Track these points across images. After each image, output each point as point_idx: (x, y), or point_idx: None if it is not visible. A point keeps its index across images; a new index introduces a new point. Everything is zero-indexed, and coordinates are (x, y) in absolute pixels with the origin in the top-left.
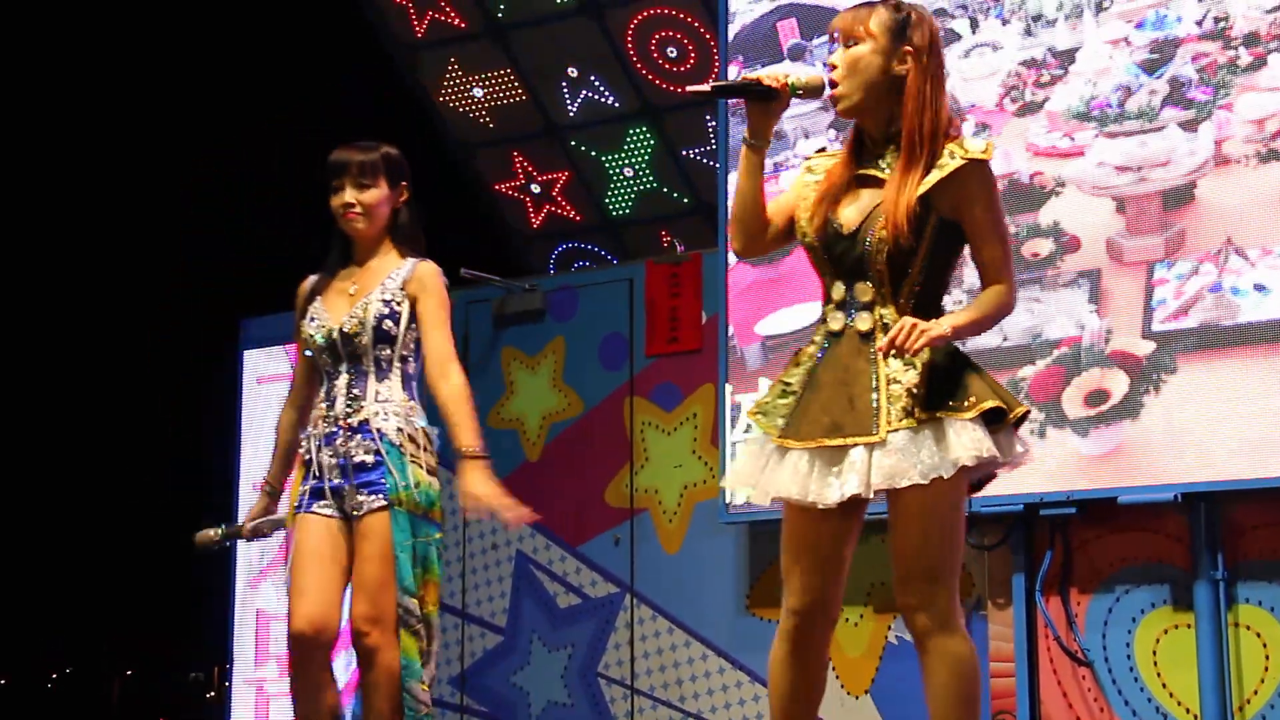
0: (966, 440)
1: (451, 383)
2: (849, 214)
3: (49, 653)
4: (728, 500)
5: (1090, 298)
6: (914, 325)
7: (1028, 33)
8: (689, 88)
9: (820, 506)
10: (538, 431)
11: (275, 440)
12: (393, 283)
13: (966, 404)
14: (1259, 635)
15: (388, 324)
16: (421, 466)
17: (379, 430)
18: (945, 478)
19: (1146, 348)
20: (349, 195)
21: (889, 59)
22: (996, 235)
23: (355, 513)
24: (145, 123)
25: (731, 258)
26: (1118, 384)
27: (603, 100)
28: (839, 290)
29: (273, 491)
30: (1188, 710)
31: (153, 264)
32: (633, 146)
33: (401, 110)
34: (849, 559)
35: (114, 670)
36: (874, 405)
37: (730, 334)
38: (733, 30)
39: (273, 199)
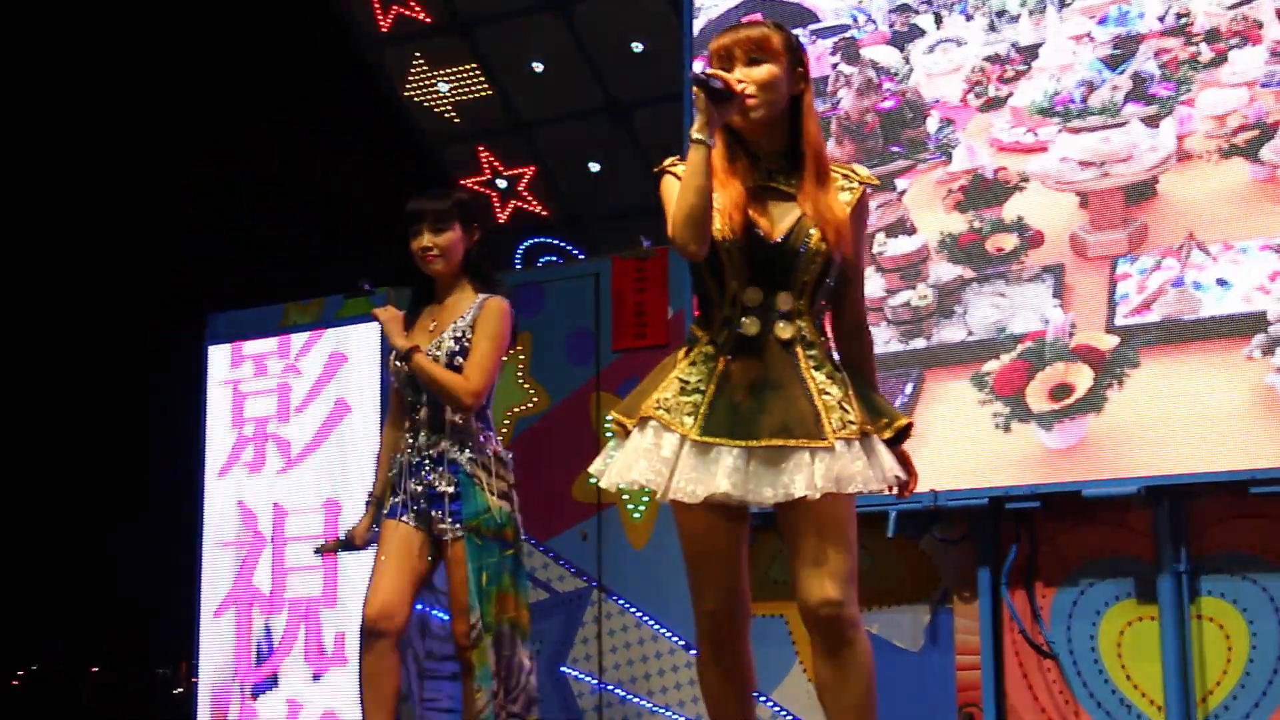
0: (892, 458)
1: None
2: (765, 223)
3: (15, 650)
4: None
5: (1054, 292)
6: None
7: (991, 28)
8: (697, 69)
9: (753, 504)
10: (504, 427)
11: (379, 456)
12: (464, 321)
13: (883, 423)
14: (1222, 627)
15: (459, 360)
16: (493, 492)
17: (453, 461)
18: (879, 490)
19: (1110, 342)
20: (426, 239)
21: (791, 80)
22: (863, 263)
23: (443, 538)
24: (110, 116)
25: None
26: (1082, 378)
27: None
28: (753, 295)
29: (378, 503)
30: (1152, 702)
31: (117, 258)
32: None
33: (367, 105)
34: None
35: (80, 667)
36: (815, 412)
37: None
38: (698, 25)
39: (239, 193)
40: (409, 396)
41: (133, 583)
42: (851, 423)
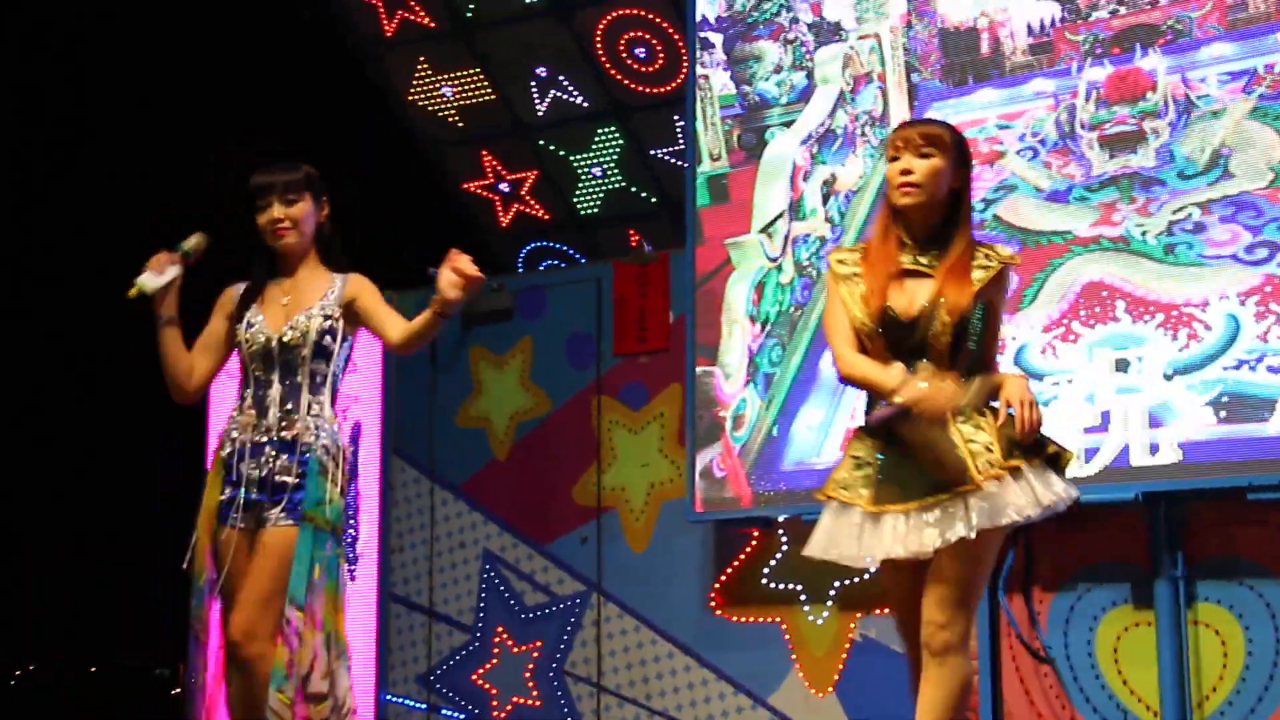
0: (1048, 483)
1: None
2: (901, 302)
3: (10, 650)
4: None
5: None
6: (1032, 404)
7: None
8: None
9: (922, 556)
10: (505, 430)
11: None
12: (332, 297)
13: (1033, 454)
14: (1218, 633)
15: (328, 340)
16: (336, 485)
17: (307, 445)
18: (1033, 516)
19: None
20: (277, 211)
21: (953, 175)
22: (999, 323)
23: (263, 524)
24: (116, 118)
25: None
26: None
27: (571, 100)
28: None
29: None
30: (1148, 707)
31: (112, 263)
32: (601, 146)
33: (370, 109)
34: None
35: (77, 667)
36: (962, 460)
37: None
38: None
39: (238, 198)
40: (257, 372)
41: (131, 582)
42: (992, 464)
